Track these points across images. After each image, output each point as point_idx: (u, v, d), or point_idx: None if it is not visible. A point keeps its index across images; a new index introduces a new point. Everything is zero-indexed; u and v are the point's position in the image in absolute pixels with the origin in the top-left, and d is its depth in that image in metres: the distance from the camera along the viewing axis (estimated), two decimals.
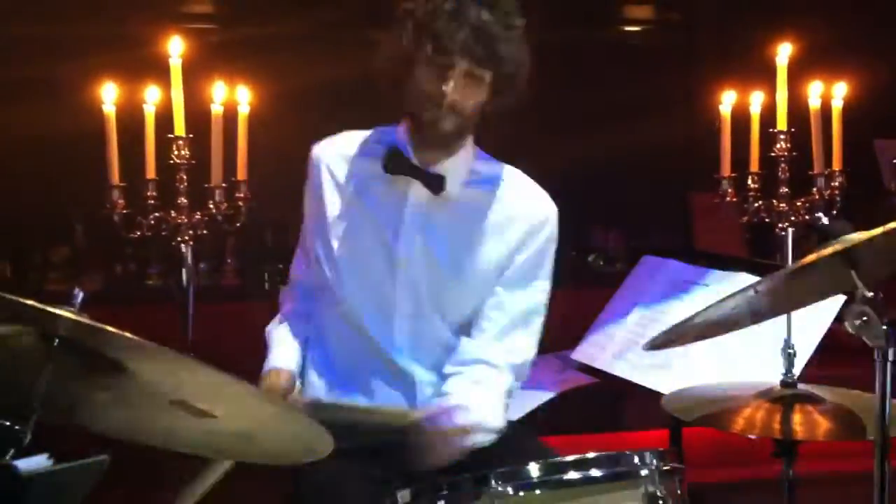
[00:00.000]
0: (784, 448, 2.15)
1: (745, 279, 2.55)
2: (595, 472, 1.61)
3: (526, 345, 2.21)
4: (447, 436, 2.01)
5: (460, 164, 2.17)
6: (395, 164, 2.15)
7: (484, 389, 2.12)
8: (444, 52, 2.02)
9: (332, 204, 2.22)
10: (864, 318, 1.66)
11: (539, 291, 2.22)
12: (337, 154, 2.25)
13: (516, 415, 2.46)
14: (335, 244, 2.20)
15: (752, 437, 2.09)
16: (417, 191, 2.16)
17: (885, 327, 1.66)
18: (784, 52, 3.28)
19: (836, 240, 1.67)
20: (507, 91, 2.10)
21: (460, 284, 2.17)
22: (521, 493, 1.57)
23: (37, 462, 1.19)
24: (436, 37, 2.02)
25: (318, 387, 2.24)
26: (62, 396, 1.48)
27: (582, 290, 3.85)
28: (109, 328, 1.34)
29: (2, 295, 1.34)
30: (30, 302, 1.36)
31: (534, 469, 1.58)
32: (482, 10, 2.03)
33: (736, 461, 3.15)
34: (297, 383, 2.24)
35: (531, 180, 2.25)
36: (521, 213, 2.19)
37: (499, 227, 2.18)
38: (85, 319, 1.36)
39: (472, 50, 2.02)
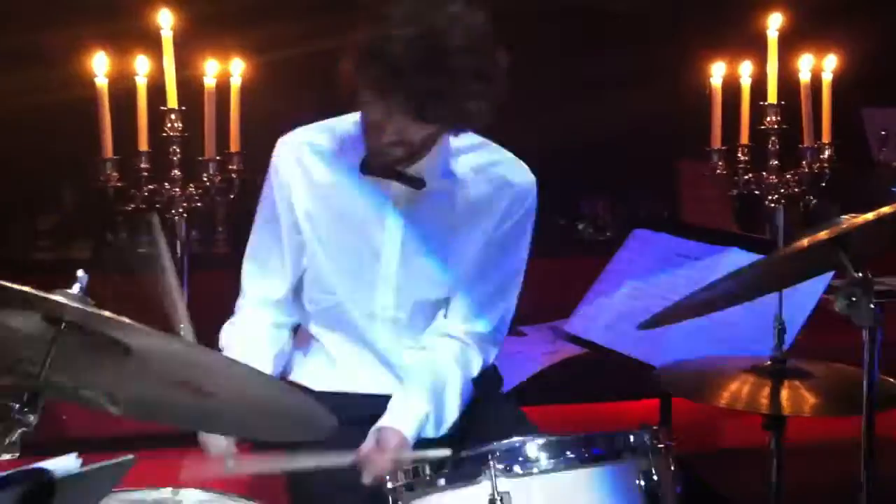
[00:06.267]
0: (773, 422, 2.19)
1: (736, 254, 2.58)
2: (592, 451, 1.65)
3: (499, 317, 2.20)
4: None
5: (437, 160, 2.10)
6: (372, 166, 2.07)
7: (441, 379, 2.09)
8: (385, 94, 1.87)
9: (307, 202, 2.12)
10: (853, 299, 1.69)
11: (515, 264, 2.20)
12: (308, 150, 2.13)
13: (508, 386, 2.49)
14: (315, 244, 2.13)
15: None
16: (397, 188, 2.09)
17: (872, 308, 1.69)
18: (774, 24, 3.28)
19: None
20: (467, 123, 1.97)
21: (445, 271, 2.15)
22: (521, 472, 1.61)
23: (66, 463, 1.21)
24: (378, 79, 1.86)
25: (310, 379, 2.21)
26: (68, 377, 1.50)
27: (572, 259, 3.88)
28: (119, 318, 1.36)
29: (6, 285, 1.36)
30: (34, 291, 1.37)
31: (532, 448, 1.62)
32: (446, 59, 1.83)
33: (725, 429, 3.20)
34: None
35: (510, 154, 2.19)
36: (502, 189, 2.15)
37: (479, 207, 2.14)
38: (92, 308, 1.37)
39: (416, 104, 1.85)
